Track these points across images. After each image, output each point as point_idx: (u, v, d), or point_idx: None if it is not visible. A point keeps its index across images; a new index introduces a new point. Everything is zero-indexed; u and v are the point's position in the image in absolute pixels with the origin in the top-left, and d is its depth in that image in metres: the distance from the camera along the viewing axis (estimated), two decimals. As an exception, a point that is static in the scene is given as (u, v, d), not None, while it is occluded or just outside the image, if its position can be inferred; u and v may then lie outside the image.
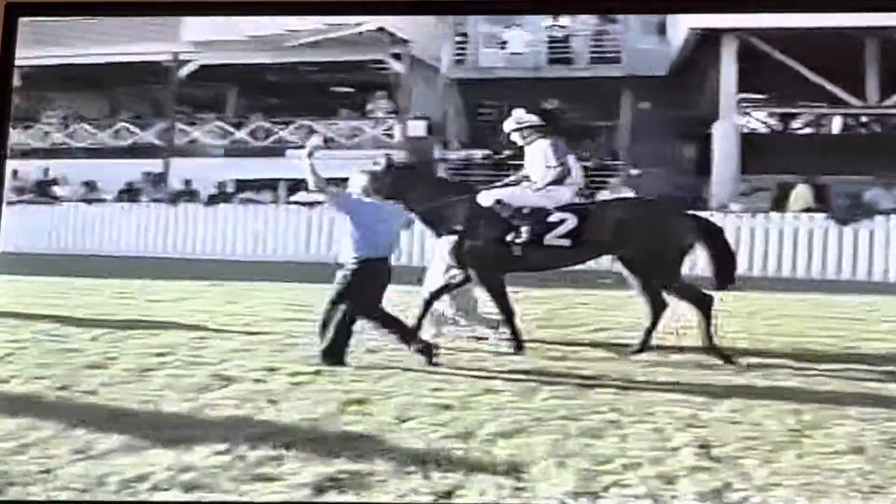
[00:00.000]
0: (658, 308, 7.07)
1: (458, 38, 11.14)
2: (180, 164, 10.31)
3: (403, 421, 5.72)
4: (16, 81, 11.45)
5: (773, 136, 10.93)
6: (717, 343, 6.93)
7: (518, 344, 6.99)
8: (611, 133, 10.64)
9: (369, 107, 10.93)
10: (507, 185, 7.48)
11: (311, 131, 10.67)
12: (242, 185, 9.82)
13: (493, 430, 5.60)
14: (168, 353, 6.81)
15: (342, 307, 6.60)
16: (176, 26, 10.97)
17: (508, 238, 7.07)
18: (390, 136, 10.66)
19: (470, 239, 7.08)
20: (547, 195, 7.23)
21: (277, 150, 10.50)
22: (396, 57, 10.84)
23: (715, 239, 7.18)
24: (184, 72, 11.15)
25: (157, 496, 4.97)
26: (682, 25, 10.34)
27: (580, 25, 11.02)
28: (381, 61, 10.90)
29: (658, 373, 6.57)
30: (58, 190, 10.31)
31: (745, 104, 10.40)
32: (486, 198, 7.24)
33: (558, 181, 7.27)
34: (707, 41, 10.14)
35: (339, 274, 6.64)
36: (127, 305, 7.70)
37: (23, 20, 10.98)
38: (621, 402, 5.98)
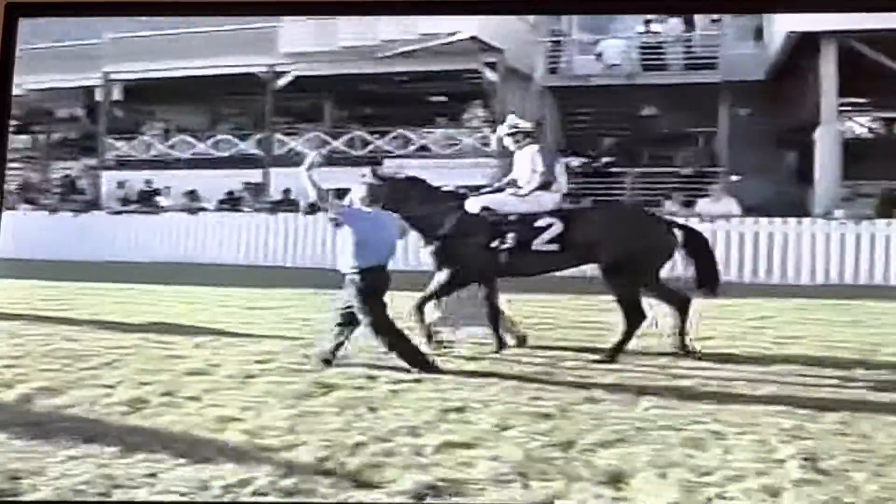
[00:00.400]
0: (634, 320, 7.00)
1: (552, 46, 11.11)
2: (280, 174, 10.43)
3: (503, 429, 5.69)
4: (117, 95, 11.83)
5: (876, 140, 10.66)
6: (690, 346, 6.96)
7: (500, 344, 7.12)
8: (709, 140, 10.49)
9: (465, 116, 10.94)
10: (494, 190, 7.56)
11: (407, 140, 10.75)
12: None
13: (594, 440, 5.53)
14: (269, 360, 6.88)
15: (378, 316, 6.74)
16: (272, 39, 11.14)
17: (494, 244, 7.13)
18: (486, 144, 10.65)
19: (455, 244, 7.15)
20: (533, 201, 7.30)
21: (375, 160, 10.56)
22: (490, 66, 10.84)
23: (699, 248, 7.20)
24: (280, 83, 11.31)
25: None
26: (779, 29, 10.15)
27: (674, 31, 10.91)
28: (475, 70, 10.91)
29: (762, 383, 6.43)
30: (160, 200, 10.53)
31: (846, 109, 10.17)
32: (473, 204, 7.31)
33: (544, 187, 7.35)
34: (805, 45, 9.92)
35: (347, 285, 6.76)
36: (229, 313, 7.79)
37: (113, 36, 11.36)
38: (724, 413, 5.87)
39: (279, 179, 10.35)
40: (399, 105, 11.18)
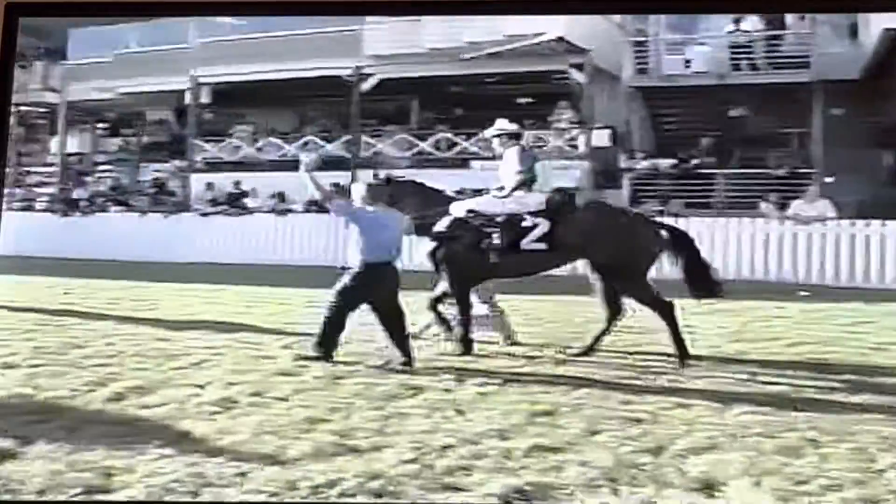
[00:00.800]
0: (614, 313, 7.11)
1: (639, 46, 10.99)
2: (367, 176, 10.47)
3: (592, 434, 5.62)
4: (206, 98, 12.00)
5: (978, 140, 10.36)
6: (688, 349, 6.87)
7: (467, 347, 7.16)
8: (802, 140, 10.29)
9: (552, 117, 10.88)
10: (480, 193, 7.68)
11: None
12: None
13: (685, 446, 5.43)
14: (358, 362, 6.90)
15: (340, 305, 6.92)
16: (357, 41, 11.20)
17: (483, 245, 7.22)
18: (574, 146, 10.59)
19: (448, 246, 7.27)
20: (517, 201, 7.36)
21: (462, 161, 10.58)
22: (577, 66, 10.77)
23: (684, 248, 7.16)
24: (366, 85, 11.36)
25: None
26: (875, 27, 9.91)
27: (764, 30, 10.71)
28: (561, 71, 10.85)
29: (858, 391, 6.26)
30: (248, 201, 10.65)
31: (946, 108, 9.89)
32: (458, 208, 7.41)
33: (526, 186, 7.43)
34: (902, 42, 9.69)
35: (344, 276, 6.96)
36: (317, 314, 7.80)
37: (202, 40, 11.54)
38: (820, 420, 5.72)
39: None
40: (486, 106, 11.14)
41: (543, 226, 7.19)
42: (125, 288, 9.25)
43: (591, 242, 7.15)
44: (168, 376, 6.74)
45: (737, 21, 10.63)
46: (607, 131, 10.62)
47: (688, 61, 10.76)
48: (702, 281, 7.09)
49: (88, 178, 11.95)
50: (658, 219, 7.85)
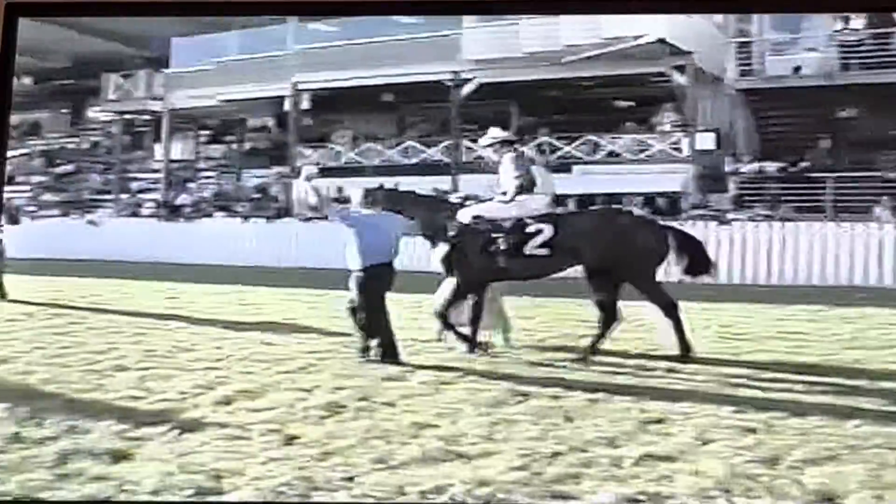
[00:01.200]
0: (610, 319, 7.19)
1: (742, 47, 10.81)
2: (468, 180, 10.47)
3: (704, 443, 5.51)
4: (306, 104, 12.13)
5: None
6: (692, 349, 7.05)
7: (472, 346, 7.33)
8: (916, 143, 10.02)
9: (655, 120, 10.78)
10: (484, 200, 7.76)
11: (596, 146, 10.64)
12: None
13: (801, 457, 5.29)
14: (464, 368, 6.90)
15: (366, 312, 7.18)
16: (456, 46, 11.21)
17: (491, 249, 7.34)
18: (678, 149, 10.46)
19: (458, 251, 7.40)
20: (520, 206, 7.49)
21: (564, 166, 10.50)
22: (679, 69, 10.63)
23: (691, 249, 7.33)
24: (465, 90, 11.36)
25: None
26: None
27: (872, 28, 10.43)
28: (663, 74, 10.72)
29: None
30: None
31: None
32: (465, 215, 7.53)
33: (523, 190, 7.53)
34: None
35: (351, 282, 7.22)
36: (422, 319, 7.82)
37: (302, 47, 11.68)
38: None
39: (468, 186, 10.37)
40: (586, 110, 11.09)
41: (547, 231, 7.32)
42: (229, 292, 9.39)
43: (592, 246, 7.27)
44: (275, 380, 6.80)
45: (845, 19, 10.37)
46: (711, 134, 10.48)
47: (797, 68, 10.55)
48: (696, 268, 7.30)
49: (192, 184, 12.17)
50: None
